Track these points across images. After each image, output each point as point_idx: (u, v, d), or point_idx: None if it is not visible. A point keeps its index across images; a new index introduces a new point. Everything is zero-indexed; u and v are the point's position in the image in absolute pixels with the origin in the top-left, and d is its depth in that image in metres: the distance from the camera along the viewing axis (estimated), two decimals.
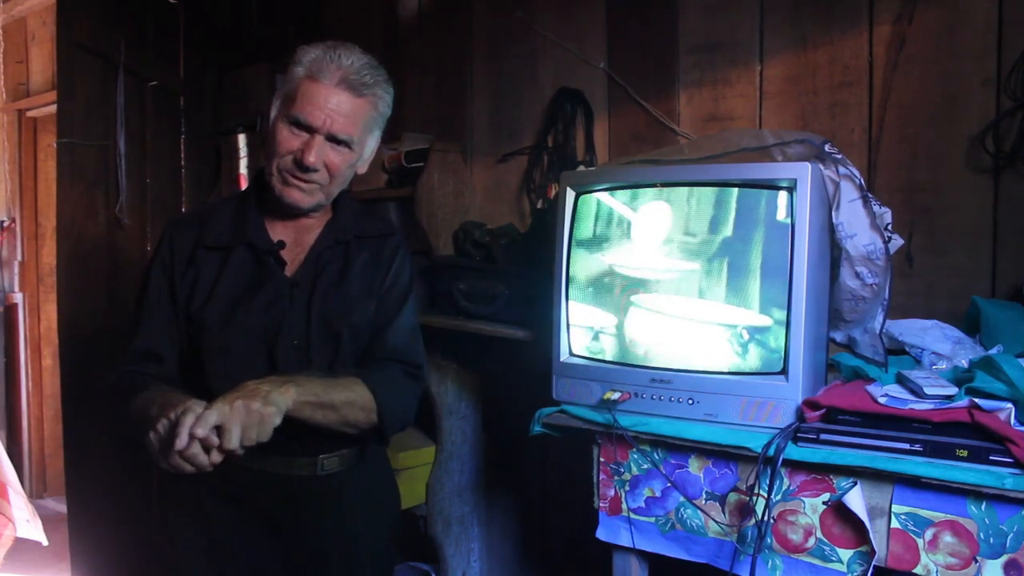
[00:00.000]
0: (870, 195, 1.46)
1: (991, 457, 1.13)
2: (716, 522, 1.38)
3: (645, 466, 1.46)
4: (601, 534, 1.52)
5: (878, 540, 1.21)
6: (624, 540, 1.48)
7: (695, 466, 1.41)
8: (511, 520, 2.47)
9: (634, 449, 1.46)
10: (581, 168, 2.11)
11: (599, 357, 1.56)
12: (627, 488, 1.48)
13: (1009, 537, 1.11)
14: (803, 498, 1.29)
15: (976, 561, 1.14)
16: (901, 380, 1.34)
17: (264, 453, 1.38)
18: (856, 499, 1.22)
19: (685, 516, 1.42)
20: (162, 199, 2.87)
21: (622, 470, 1.48)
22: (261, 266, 1.42)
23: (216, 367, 1.39)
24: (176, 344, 1.42)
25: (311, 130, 1.35)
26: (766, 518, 1.29)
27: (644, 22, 2.15)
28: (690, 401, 1.43)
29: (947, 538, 1.16)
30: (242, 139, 2.99)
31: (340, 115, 1.35)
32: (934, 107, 1.69)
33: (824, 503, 1.27)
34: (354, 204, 1.55)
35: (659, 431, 1.42)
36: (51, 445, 4.20)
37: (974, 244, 1.65)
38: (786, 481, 1.30)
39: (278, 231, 1.45)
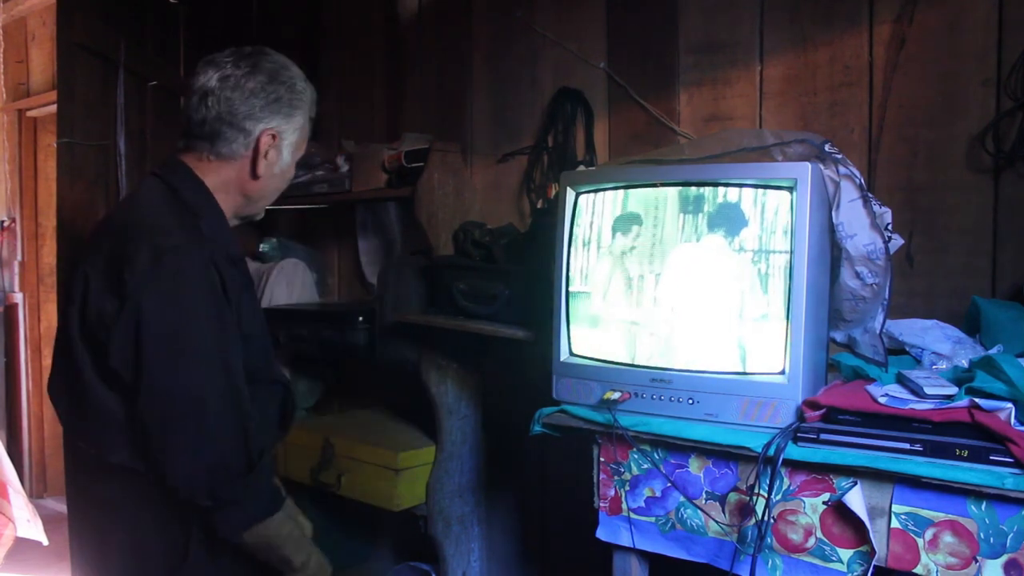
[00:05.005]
0: (870, 195, 1.46)
1: (991, 457, 1.13)
2: (716, 522, 1.38)
3: (645, 466, 1.46)
4: (601, 534, 1.52)
5: (878, 540, 1.21)
6: (624, 540, 1.48)
7: (695, 466, 1.41)
8: (511, 520, 2.47)
9: (634, 449, 1.46)
10: (581, 168, 2.11)
11: (599, 357, 1.56)
12: (627, 488, 1.48)
13: (1009, 537, 1.11)
14: (803, 498, 1.29)
15: (976, 561, 1.14)
16: (901, 380, 1.34)
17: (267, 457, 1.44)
18: (856, 499, 1.22)
19: (685, 516, 1.42)
20: None
21: (622, 470, 1.48)
22: (244, 277, 1.43)
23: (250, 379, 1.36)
24: None
25: None
26: (766, 518, 1.29)
27: (644, 22, 2.15)
28: (690, 401, 1.43)
29: (947, 538, 1.16)
30: None
31: None
32: (934, 107, 1.69)
33: (824, 503, 1.27)
34: None
35: (659, 431, 1.42)
36: (51, 445, 4.20)
37: (974, 244, 1.65)
38: (786, 481, 1.30)
39: None
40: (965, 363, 1.41)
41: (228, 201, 1.40)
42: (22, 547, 1.76)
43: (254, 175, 1.38)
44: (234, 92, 1.33)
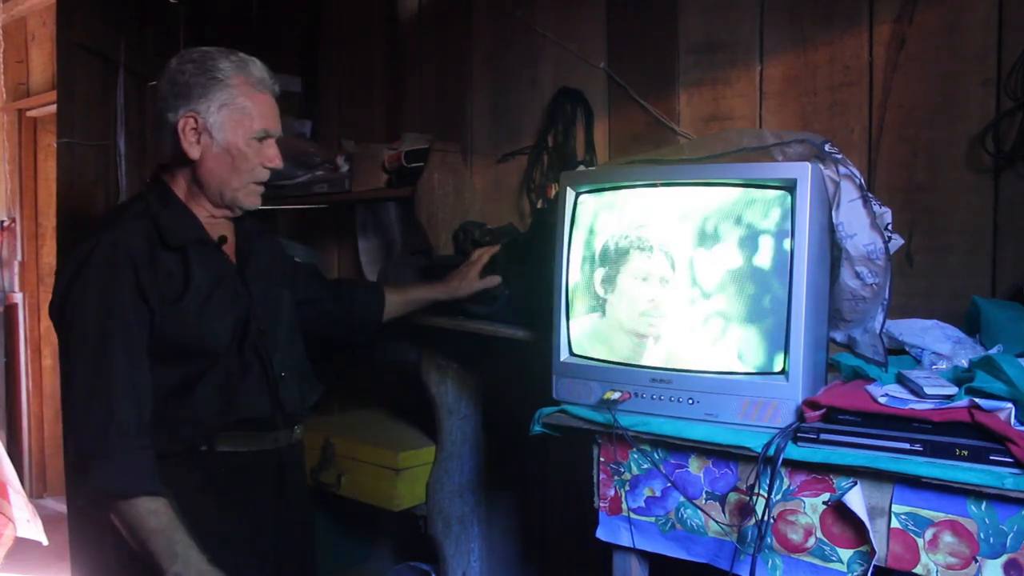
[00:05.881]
0: (870, 195, 1.46)
1: (991, 457, 1.13)
2: (716, 522, 1.38)
3: (645, 466, 1.46)
4: (601, 534, 1.52)
5: (878, 540, 1.21)
6: (624, 540, 1.48)
7: (695, 466, 1.41)
8: (511, 520, 2.48)
9: (634, 449, 1.46)
10: (581, 168, 2.11)
11: (599, 357, 1.56)
12: (627, 488, 1.48)
13: (1009, 537, 1.11)
14: (803, 498, 1.29)
15: (976, 561, 1.14)
16: (901, 380, 1.34)
17: (250, 435, 1.44)
18: (856, 499, 1.22)
19: (685, 516, 1.42)
20: None
21: (622, 470, 1.48)
22: (214, 261, 1.50)
23: (195, 365, 1.44)
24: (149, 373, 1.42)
25: (269, 137, 1.51)
26: (766, 518, 1.29)
27: (644, 22, 2.15)
28: (690, 401, 1.43)
29: (947, 538, 1.16)
30: None
31: (279, 118, 1.53)
32: (934, 107, 1.69)
33: (824, 503, 1.27)
34: None
35: (659, 431, 1.42)
36: (51, 445, 4.20)
37: (974, 244, 1.65)
38: (786, 481, 1.30)
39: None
40: (965, 363, 1.41)
41: (194, 195, 1.50)
42: (22, 547, 1.76)
43: (187, 159, 1.46)
44: (156, 96, 1.48)
